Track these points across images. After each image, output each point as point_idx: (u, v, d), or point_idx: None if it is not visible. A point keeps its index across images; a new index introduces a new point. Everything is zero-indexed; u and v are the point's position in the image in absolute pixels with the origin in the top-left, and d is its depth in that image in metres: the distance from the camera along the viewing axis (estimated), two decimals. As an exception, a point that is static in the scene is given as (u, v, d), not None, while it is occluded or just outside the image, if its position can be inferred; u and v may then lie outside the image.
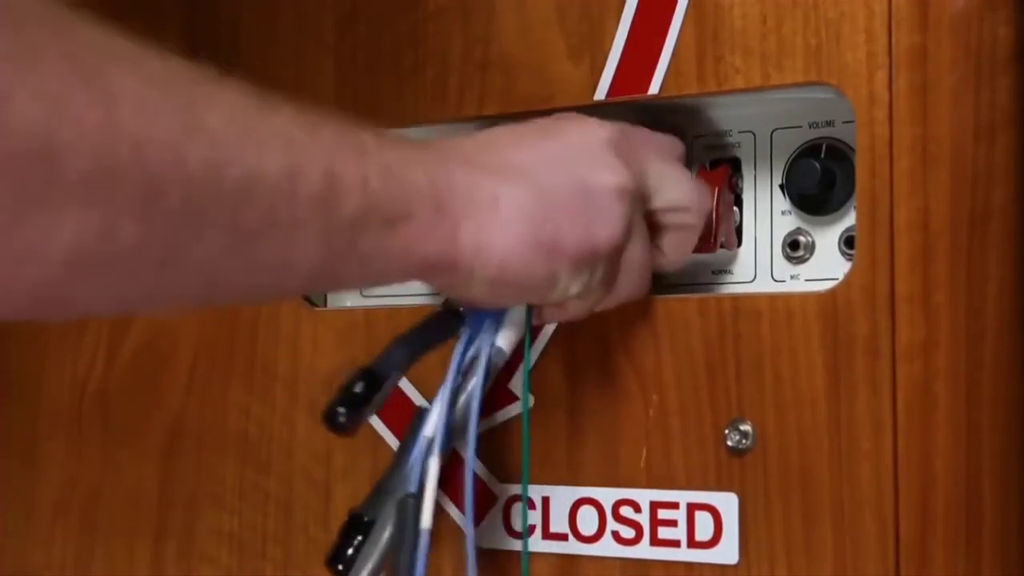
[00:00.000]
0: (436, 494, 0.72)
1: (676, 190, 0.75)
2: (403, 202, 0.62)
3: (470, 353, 0.74)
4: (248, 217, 0.55)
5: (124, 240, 0.50)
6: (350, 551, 0.73)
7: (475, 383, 0.73)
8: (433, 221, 0.64)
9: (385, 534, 0.72)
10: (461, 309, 0.75)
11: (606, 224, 0.70)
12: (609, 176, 0.70)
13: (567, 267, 0.68)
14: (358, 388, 0.69)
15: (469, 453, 0.73)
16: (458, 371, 0.73)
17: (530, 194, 0.67)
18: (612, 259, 0.71)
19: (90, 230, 0.49)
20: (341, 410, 0.68)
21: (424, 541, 0.70)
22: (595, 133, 0.72)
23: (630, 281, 0.73)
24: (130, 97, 0.49)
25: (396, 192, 0.62)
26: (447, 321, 0.75)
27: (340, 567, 0.73)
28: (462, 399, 0.73)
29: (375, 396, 0.70)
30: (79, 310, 0.54)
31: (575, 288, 0.70)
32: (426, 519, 0.70)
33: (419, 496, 0.71)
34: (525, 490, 0.79)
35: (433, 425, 0.73)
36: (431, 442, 0.72)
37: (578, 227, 0.68)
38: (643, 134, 0.76)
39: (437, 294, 0.87)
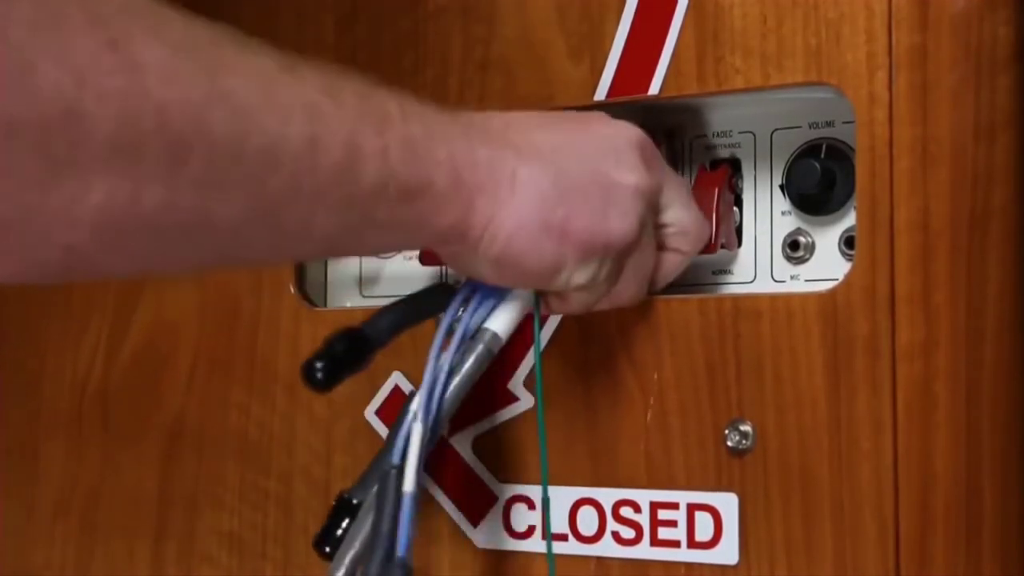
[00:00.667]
0: (421, 462, 0.70)
1: (684, 212, 0.76)
2: (422, 175, 0.63)
3: (461, 325, 0.73)
4: (271, 185, 0.56)
5: (149, 204, 0.51)
6: (338, 532, 0.73)
7: (445, 357, 0.72)
8: (450, 194, 0.64)
9: (371, 517, 0.71)
10: (455, 284, 0.75)
11: (621, 218, 0.70)
12: (631, 175, 0.71)
13: (575, 254, 0.68)
14: (339, 346, 0.69)
15: (429, 418, 0.71)
16: (440, 344, 0.72)
17: (548, 176, 0.68)
18: (621, 257, 0.71)
19: (117, 194, 0.50)
20: (319, 365, 0.68)
21: (408, 504, 0.69)
22: (625, 133, 0.73)
23: (631, 284, 0.73)
24: (154, 63, 0.50)
25: (416, 165, 0.62)
26: (438, 295, 0.75)
27: (327, 549, 0.73)
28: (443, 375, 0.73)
29: (356, 357, 0.69)
30: (105, 272, 0.55)
31: (580, 278, 0.70)
32: (409, 483, 0.69)
33: (401, 468, 0.70)
34: (545, 489, 0.79)
35: (416, 400, 0.72)
36: (413, 412, 0.71)
37: (592, 216, 0.69)
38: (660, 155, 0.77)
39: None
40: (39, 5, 0.47)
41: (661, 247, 0.76)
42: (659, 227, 0.75)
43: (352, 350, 0.69)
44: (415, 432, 0.70)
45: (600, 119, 0.74)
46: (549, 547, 0.77)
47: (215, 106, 0.53)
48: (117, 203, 0.50)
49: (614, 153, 0.71)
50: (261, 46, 0.57)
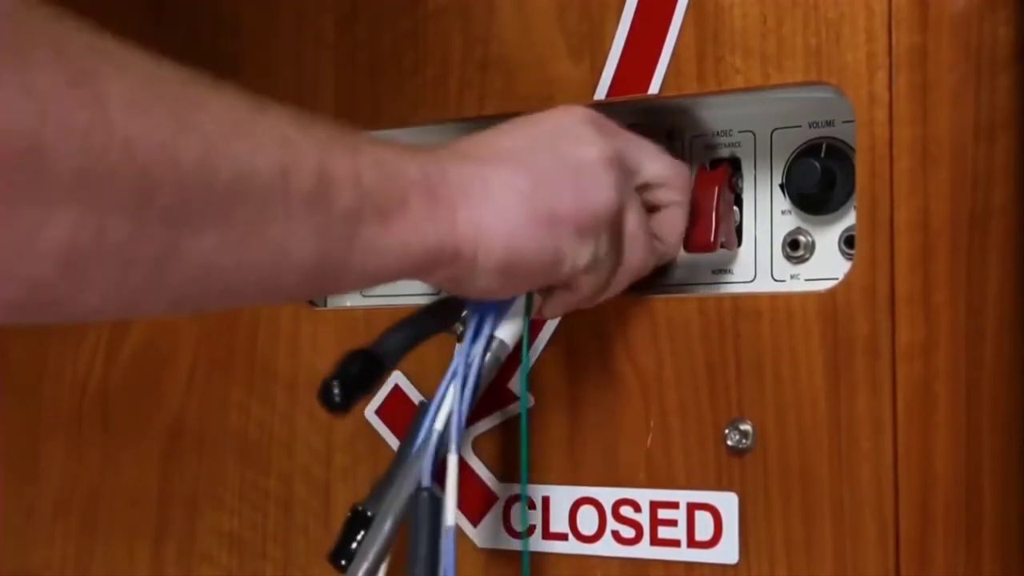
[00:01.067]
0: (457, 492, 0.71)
1: (656, 163, 0.76)
2: (397, 194, 0.62)
3: (477, 346, 0.73)
4: (242, 215, 0.55)
5: (116, 238, 0.51)
6: (353, 546, 0.73)
7: (471, 373, 0.73)
8: (428, 211, 0.64)
9: (385, 527, 0.71)
10: (463, 299, 0.75)
11: (599, 190, 0.70)
12: (593, 149, 0.71)
13: (570, 236, 0.69)
14: (355, 368, 0.69)
15: (454, 444, 0.72)
16: (466, 363, 0.73)
17: (519, 173, 0.68)
18: (614, 226, 0.71)
19: (82, 228, 0.49)
20: (336, 389, 0.68)
21: (451, 540, 0.70)
22: (572, 114, 0.73)
23: (635, 250, 0.73)
24: (120, 97, 0.50)
25: (389, 184, 0.62)
26: (448, 309, 0.75)
27: (343, 562, 0.73)
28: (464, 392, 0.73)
29: (371, 378, 0.70)
30: (73, 312, 0.54)
31: (583, 258, 0.70)
32: (450, 517, 0.70)
33: (432, 492, 0.70)
34: (524, 489, 0.79)
35: (443, 418, 0.72)
36: (442, 436, 0.72)
37: (573, 195, 0.69)
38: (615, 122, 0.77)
39: (436, 293, 0.87)
40: (5, 37, 0.46)
41: (655, 208, 0.76)
42: (642, 188, 0.75)
43: (366, 370, 0.69)
44: (451, 464, 0.70)
45: (546, 111, 0.74)
46: (525, 545, 0.77)
47: (183, 138, 0.52)
48: (82, 237, 0.49)
49: (571, 136, 0.72)
50: (229, 85, 0.56)
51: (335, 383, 0.68)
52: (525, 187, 0.68)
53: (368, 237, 0.61)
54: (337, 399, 0.68)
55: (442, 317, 0.75)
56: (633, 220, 0.73)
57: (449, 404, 0.72)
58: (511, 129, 0.73)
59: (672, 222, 0.77)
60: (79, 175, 0.48)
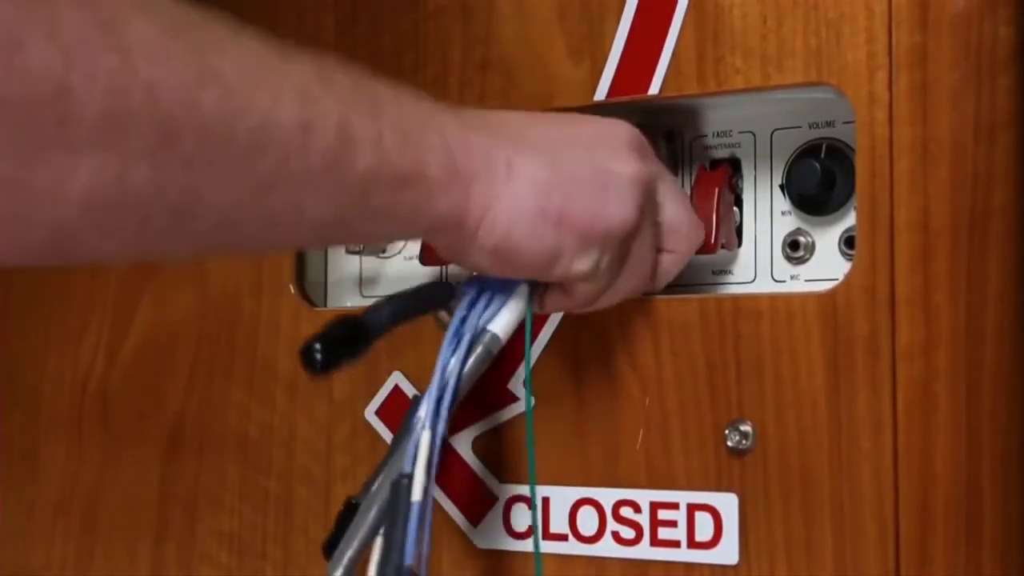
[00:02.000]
0: (430, 470, 0.70)
1: (678, 210, 0.76)
2: (417, 162, 0.63)
3: (465, 330, 0.73)
4: (261, 167, 0.56)
5: (138, 184, 0.51)
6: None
7: (454, 362, 0.72)
8: (446, 181, 0.64)
9: (370, 515, 0.71)
10: (456, 284, 0.75)
11: (621, 205, 0.70)
12: (626, 165, 0.71)
13: (574, 241, 0.68)
14: (339, 331, 0.69)
15: (440, 428, 0.71)
16: (450, 351, 0.73)
17: (544, 165, 0.68)
18: (623, 245, 0.71)
19: (105, 173, 0.50)
20: (318, 347, 0.67)
21: (414, 514, 0.69)
22: (620, 130, 0.73)
23: (633, 275, 0.73)
24: (145, 43, 0.50)
25: (410, 151, 0.62)
26: (439, 291, 0.75)
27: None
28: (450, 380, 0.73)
29: (355, 343, 0.69)
30: (95, 255, 0.55)
31: (582, 266, 0.69)
32: (416, 492, 0.69)
33: (412, 477, 0.70)
34: (533, 489, 0.79)
35: (424, 406, 0.72)
36: (423, 420, 0.72)
37: (591, 202, 0.69)
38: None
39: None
40: None
41: (657, 248, 0.76)
42: (654, 225, 0.75)
43: (351, 336, 0.69)
44: (423, 440, 0.70)
45: (593, 118, 0.74)
46: (537, 547, 0.77)
47: (205, 85, 0.52)
48: (105, 181, 0.50)
49: (610, 147, 0.72)
50: (255, 31, 0.56)
51: (317, 344, 0.67)
52: (545, 179, 0.68)
53: (383, 199, 0.61)
54: (319, 359, 0.67)
55: (436, 296, 0.75)
56: (642, 247, 0.73)
57: (437, 386, 0.72)
58: (555, 122, 0.73)
59: (668, 268, 0.77)
60: (103, 120, 0.49)
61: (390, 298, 0.72)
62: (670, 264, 0.77)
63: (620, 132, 0.73)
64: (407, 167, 0.62)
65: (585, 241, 0.69)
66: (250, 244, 0.63)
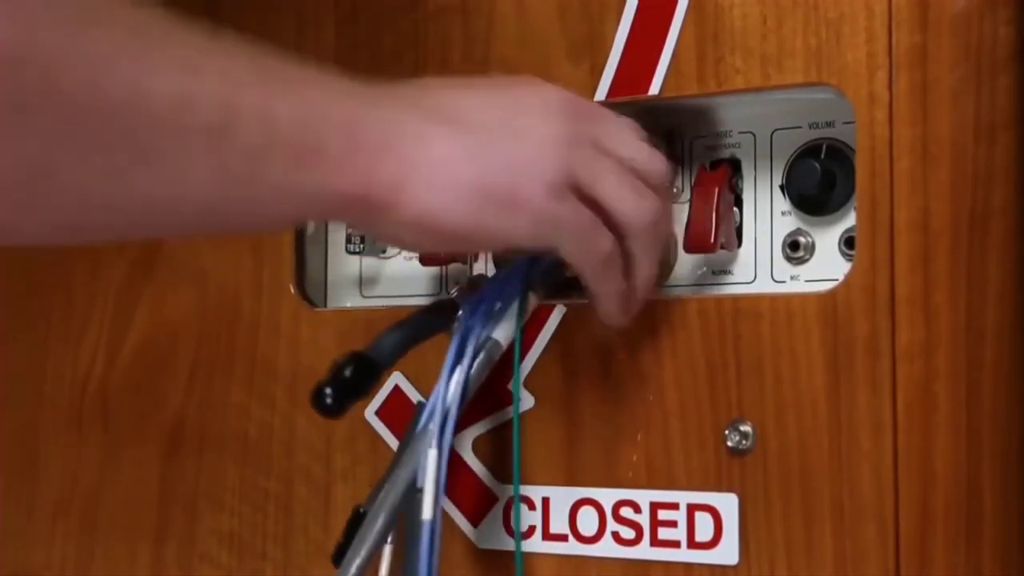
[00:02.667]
0: (439, 489, 0.71)
1: (629, 148, 0.73)
2: (313, 137, 0.61)
3: (468, 345, 0.74)
4: (130, 142, 0.54)
5: None
6: None
7: (458, 374, 0.73)
8: (347, 156, 0.62)
9: (378, 523, 0.71)
10: (457, 300, 0.75)
11: (542, 169, 0.68)
12: (548, 128, 0.69)
13: (498, 211, 0.66)
14: (348, 372, 0.69)
15: (446, 441, 0.72)
16: (455, 363, 0.73)
17: (461, 135, 0.66)
18: (568, 200, 0.69)
19: None
20: (329, 391, 0.68)
21: (425, 533, 0.70)
22: (545, 93, 0.71)
23: (623, 199, 0.71)
24: (14, 15, 0.49)
25: (306, 127, 0.61)
26: (442, 312, 0.75)
27: None
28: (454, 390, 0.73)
29: (365, 381, 0.70)
30: None
31: (513, 233, 0.67)
32: (426, 511, 0.70)
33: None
34: (517, 489, 0.79)
35: (426, 416, 0.73)
36: (431, 434, 0.72)
37: (511, 169, 0.67)
38: (598, 107, 0.75)
39: (436, 294, 0.87)
40: None
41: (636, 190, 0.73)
42: (615, 172, 0.72)
43: (359, 374, 0.69)
44: (431, 458, 0.71)
45: (524, 82, 0.73)
46: (518, 546, 0.78)
47: (68, 55, 0.51)
48: None
49: (531, 111, 0.70)
50: (157, 8, 0.55)
51: (327, 388, 0.68)
52: (462, 150, 0.66)
53: (276, 177, 0.60)
54: (329, 403, 0.68)
55: (437, 319, 0.75)
56: (609, 182, 0.70)
57: (441, 403, 0.72)
58: (476, 91, 0.71)
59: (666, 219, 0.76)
60: None
61: (392, 328, 0.73)
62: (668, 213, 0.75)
63: (544, 95, 0.71)
64: (303, 144, 0.61)
65: (511, 209, 0.67)
66: (123, 224, 0.60)
